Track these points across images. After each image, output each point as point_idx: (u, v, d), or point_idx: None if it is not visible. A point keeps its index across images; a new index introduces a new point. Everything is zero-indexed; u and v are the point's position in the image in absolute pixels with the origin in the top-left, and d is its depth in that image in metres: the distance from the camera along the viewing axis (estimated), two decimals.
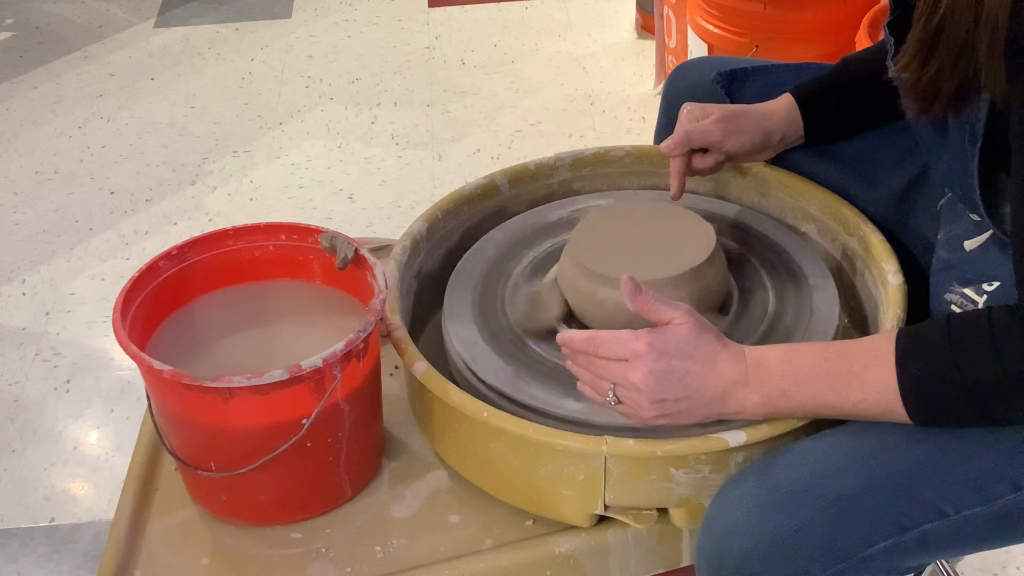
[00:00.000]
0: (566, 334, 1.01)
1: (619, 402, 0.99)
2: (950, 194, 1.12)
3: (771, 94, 1.29)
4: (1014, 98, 0.88)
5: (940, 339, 0.91)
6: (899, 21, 0.99)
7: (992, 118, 0.93)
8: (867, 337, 1.00)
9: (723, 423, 1.07)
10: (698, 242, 1.17)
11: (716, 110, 1.25)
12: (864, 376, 0.93)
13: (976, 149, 0.95)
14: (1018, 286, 0.90)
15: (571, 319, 1.19)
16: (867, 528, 0.92)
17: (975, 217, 1.05)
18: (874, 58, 1.24)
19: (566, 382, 1.11)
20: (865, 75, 1.24)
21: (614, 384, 0.98)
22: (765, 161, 1.34)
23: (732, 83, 1.35)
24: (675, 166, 1.26)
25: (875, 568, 0.93)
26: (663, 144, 1.24)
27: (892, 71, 0.98)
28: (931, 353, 0.91)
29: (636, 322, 1.07)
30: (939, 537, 0.94)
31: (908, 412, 0.92)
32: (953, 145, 1.00)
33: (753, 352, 0.98)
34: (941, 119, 0.99)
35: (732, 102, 1.33)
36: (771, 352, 0.98)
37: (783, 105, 1.28)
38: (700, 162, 1.27)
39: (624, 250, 1.17)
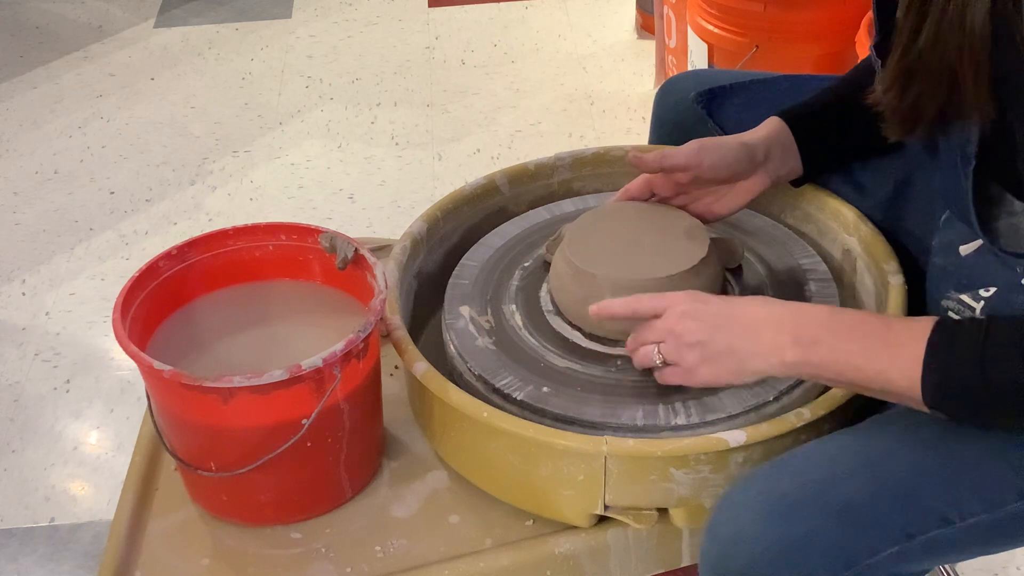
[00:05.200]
0: (603, 303, 1.07)
1: (664, 361, 1.03)
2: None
3: (752, 110, 1.27)
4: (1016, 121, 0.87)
5: (976, 333, 0.90)
6: (885, 43, 0.98)
7: (983, 139, 0.92)
8: (911, 316, 0.99)
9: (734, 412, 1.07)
10: (692, 243, 1.17)
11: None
12: (896, 347, 0.93)
13: (969, 170, 0.94)
14: None
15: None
16: (874, 535, 0.92)
17: None
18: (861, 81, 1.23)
19: (569, 383, 1.12)
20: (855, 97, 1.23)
21: (658, 344, 1.03)
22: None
23: (712, 101, 1.35)
24: (639, 180, 1.24)
25: (880, 574, 0.93)
26: (631, 154, 1.21)
27: (876, 95, 0.97)
28: (964, 342, 0.90)
29: (629, 325, 1.08)
30: (945, 544, 0.94)
31: (924, 394, 0.91)
32: (945, 164, 0.99)
33: (793, 303, 1.01)
34: (931, 139, 0.99)
35: (713, 120, 1.33)
36: (815, 305, 1.01)
37: (762, 126, 1.24)
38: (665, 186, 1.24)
39: (618, 251, 1.17)
